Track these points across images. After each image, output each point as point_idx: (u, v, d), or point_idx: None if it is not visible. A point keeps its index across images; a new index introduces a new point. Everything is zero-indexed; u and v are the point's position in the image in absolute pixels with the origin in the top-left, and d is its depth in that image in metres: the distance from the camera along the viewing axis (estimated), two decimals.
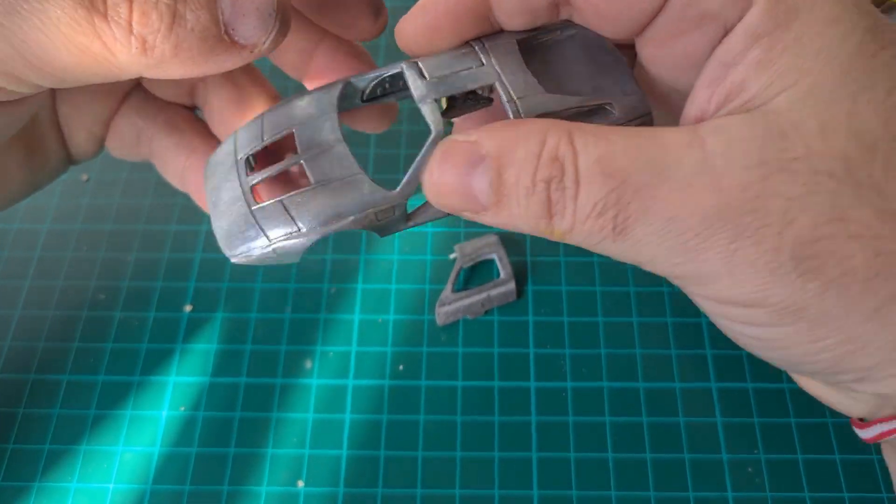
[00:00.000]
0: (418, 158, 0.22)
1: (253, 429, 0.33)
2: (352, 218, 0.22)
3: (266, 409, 0.33)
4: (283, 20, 0.21)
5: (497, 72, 0.23)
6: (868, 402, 0.22)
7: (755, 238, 0.18)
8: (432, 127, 0.22)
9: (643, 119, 0.23)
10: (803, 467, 0.31)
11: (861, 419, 0.23)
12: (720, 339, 0.34)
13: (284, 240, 0.22)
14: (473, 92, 0.23)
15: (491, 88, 0.23)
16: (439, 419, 0.33)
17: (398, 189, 0.22)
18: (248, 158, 0.24)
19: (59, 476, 0.32)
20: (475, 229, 0.38)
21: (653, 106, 0.24)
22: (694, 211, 0.19)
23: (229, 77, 0.27)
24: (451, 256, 0.37)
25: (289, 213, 0.22)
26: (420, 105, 0.22)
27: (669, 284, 0.36)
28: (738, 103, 0.19)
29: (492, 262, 0.37)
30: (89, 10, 0.19)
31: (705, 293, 0.21)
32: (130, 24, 0.19)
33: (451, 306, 0.35)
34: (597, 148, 0.19)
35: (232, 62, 0.21)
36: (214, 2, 0.20)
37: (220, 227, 0.24)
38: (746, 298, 0.20)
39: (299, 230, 0.22)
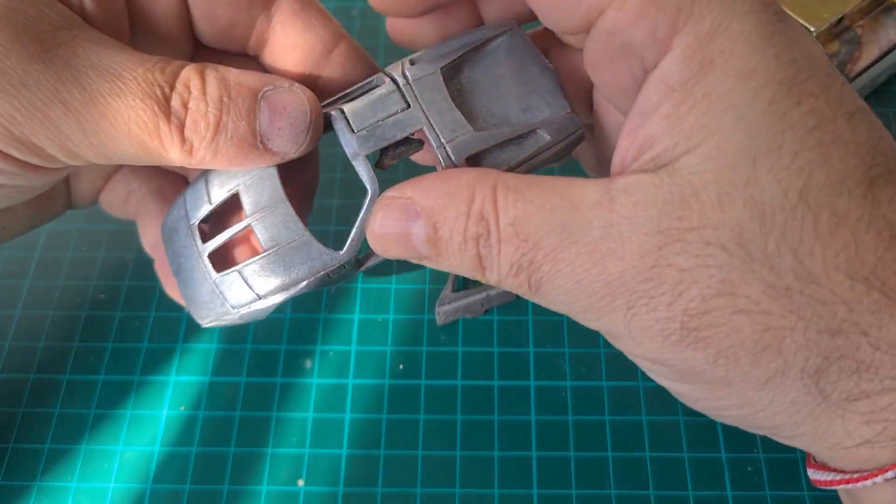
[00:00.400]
0: (360, 217, 0.23)
1: (253, 428, 0.33)
2: (305, 283, 0.24)
3: (266, 409, 0.33)
4: (314, 133, 0.23)
5: (424, 114, 0.23)
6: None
7: (649, 306, 0.19)
8: (368, 186, 0.23)
9: (573, 137, 0.24)
10: (802, 466, 0.31)
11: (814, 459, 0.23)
12: None
13: (247, 308, 0.25)
14: (405, 137, 0.23)
15: (416, 135, 0.23)
16: (439, 418, 0.33)
17: (345, 249, 0.24)
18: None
19: (60, 475, 0.32)
20: None
21: (591, 118, 0.25)
22: (598, 276, 0.19)
23: None
24: None
25: (247, 283, 0.24)
26: (353, 162, 0.23)
27: None
28: (648, 157, 0.19)
29: None
30: (156, 113, 0.21)
31: (619, 347, 0.22)
32: (183, 129, 0.22)
33: (450, 306, 0.35)
34: (514, 209, 0.20)
35: (262, 163, 0.23)
36: (254, 114, 0.22)
37: (187, 296, 0.26)
38: (649, 357, 0.21)
39: (258, 297, 0.24)
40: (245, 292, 0.24)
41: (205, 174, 0.25)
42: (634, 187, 0.19)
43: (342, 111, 0.23)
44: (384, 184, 0.23)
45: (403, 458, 0.32)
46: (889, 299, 0.18)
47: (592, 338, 0.35)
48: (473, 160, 0.23)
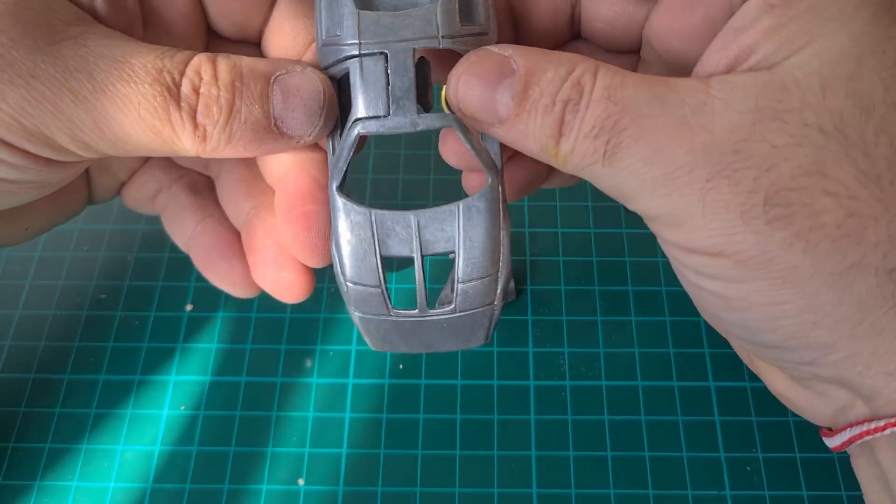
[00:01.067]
0: (470, 146, 0.23)
1: (253, 427, 0.33)
2: (507, 230, 0.24)
3: (266, 408, 0.33)
4: (329, 114, 0.23)
5: (401, 42, 0.22)
6: (832, 404, 0.22)
7: (733, 179, 0.19)
8: (443, 124, 0.23)
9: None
10: (801, 466, 0.32)
11: (828, 428, 0.23)
12: (718, 338, 0.34)
13: (504, 287, 0.25)
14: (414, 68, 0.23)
15: (415, 52, 0.23)
16: (439, 418, 0.33)
17: (490, 179, 0.23)
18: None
19: (60, 475, 0.32)
20: None
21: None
22: (682, 145, 0.19)
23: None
24: (451, 255, 0.37)
25: (478, 279, 0.24)
26: (416, 130, 0.23)
27: (668, 283, 0.36)
28: (745, 66, 0.20)
29: None
30: (167, 98, 0.21)
31: (675, 238, 0.21)
32: (195, 114, 0.22)
33: (452, 305, 0.35)
34: (613, 78, 0.20)
35: (278, 149, 0.23)
36: (267, 97, 0.22)
37: (459, 343, 0.26)
38: (713, 244, 0.20)
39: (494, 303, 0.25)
40: (480, 286, 0.24)
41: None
42: (732, 79, 0.19)
43: (360, 118, 0.23)
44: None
45: (403, 457, 0.32)
46: None
47: (592, 337, 0.35)
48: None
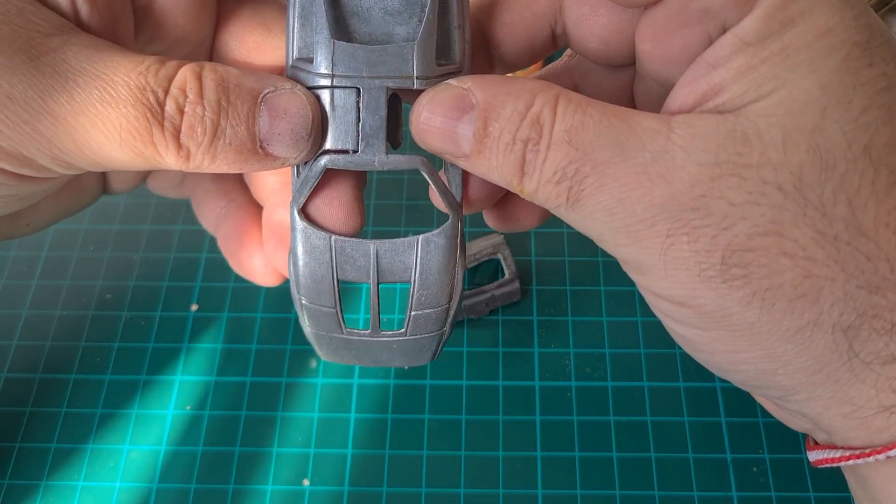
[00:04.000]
0: (435, 187, 0.23)
1: (258, 428, 0.33)
2: (461, 266, 0.25)
3: (271, 408, 0.33)
4: (316, 138, 0.22)
5: (375, 77, 0.22)
6: (803, 425, 0.22)
7: (692, 236, 0.19)
8: (410, 166, 0.23)
9: None
10: (808, 467, 0.31)
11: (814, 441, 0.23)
12: None
13: (453, 316, 0.25)
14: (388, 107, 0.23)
15: (389, 90, 0.23)
16: (444, 418, 0.33)
17: (451, 217, 0.24)
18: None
19: (66, 474, 0.32)
20: (480, 230, 0.38)
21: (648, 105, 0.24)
22: (642, 197, 0.19)
23: None
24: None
25: (431, 308, 0.25)
26: (383, 169, 0.23)
27: None
28: (712, 105, 0.19)
29: (496, 261, 0.37)
30: (149, 119, 0.21)
31: (644, 283, 0.21)
32: (179, 135, 0.21)
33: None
34: (572, 118, 0.19)
35: (263, 169, 0.23)
36: (254, 118, 0.21)
37: (406, 361, 0.26)
38: (676, 295, 0.20)
39: (444, 331, 0.25)
40: (432, 315, 0.25)
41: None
42: (695, 121, 0.19)
43: (328, 150, 0.23)
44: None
45: (408, 457, 0.32)
46: None
47: (597, 338, 0.35)
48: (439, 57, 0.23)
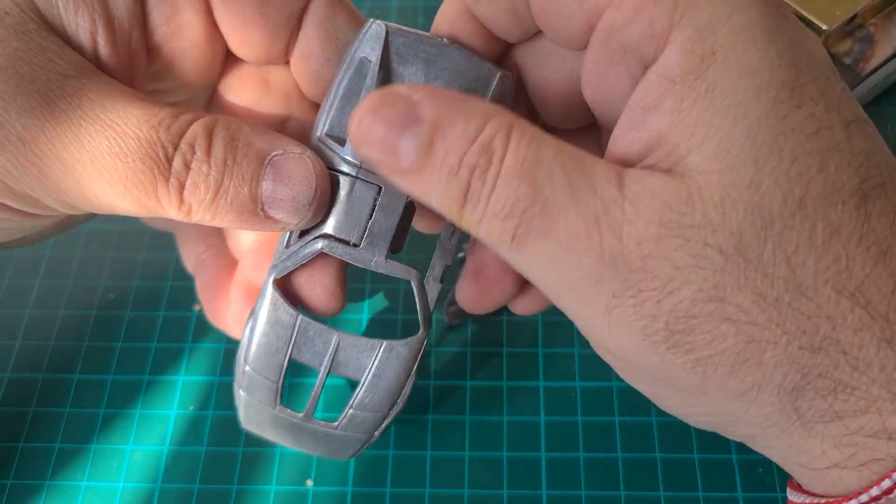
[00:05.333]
0: (419, 301, 0.24)
1: None
2: (412, 378, 0.25)
3: None
4: (319, 208, 0.22)
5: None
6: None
7: (637, 299, 0.18)
8: (406, 276, 0.23)
9: (511, 83, 0.23)
10: None
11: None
12: None
13: (379, 429, 0.26)
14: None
15: (408, 199, 0.22)
16: (448, 419, 0.33)
17: (421, 330, 0.24)
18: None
19: (70, 475, 0.32)
20: None
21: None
22: (590, 250, 0.18)
23: None
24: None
25: (366, 411, 0.25)
26: (377, 270, 0.23)
27: None
28: (659, 155, 0.19)
29: None
30: (155, 175, 0.21)
31: (589, 337, 0.21)
32: (182, 191, 0.21)
33: (459, 306, 0.35)
34: (527, 152, 0.18)
35: (262, 230, 0.22)
36: (258, 180, 0.21)
37: (314, 450, 0.27)
38: (622, 354, 0.20)
39: (384, 415, 0.25)
40: (369, 418, 0.25)
41: (245, 361, 0.25)
42: (644, 177, 0.18)
43: (329, 235, 0.22)
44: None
45: (412, 458, 0.32)
46: (871, 318, 0.18)
47: None
48: None
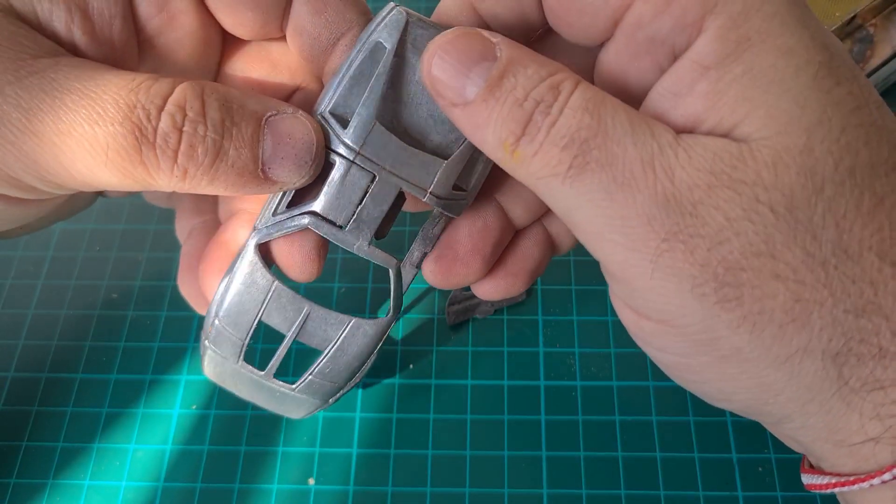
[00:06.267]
0: (393, 289, 0.24)
1: (264, 427, 0.33)
2: (372, 356, 0.25)
3: None
4: (318, 165, 0.22)
5: (394, 174, 0.22)
6: (798, 445, 0.22)
7: (688, 245, 0.18)
8: (385, 265, 0.24)
9: None
10: None
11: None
12: None
13: (334, 397, 0.26)
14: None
15: (400, 190, 0.22)
16: (449, 418, 0.33)
17: (390, 315, 0.25)
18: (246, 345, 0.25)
19: (73, 473, 0.32)
20: None
21: None
22: (644, 188, 0.18)
23: None
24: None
25: (325, 380, 0.25)
26: (359, 254, 0.23)
27: None
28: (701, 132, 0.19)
29: None
30: (139, 139, 0.20)
31: (624, 295, 0.20)
32: (176, 155, 0.20)
33: (460, 305, 0.35)
34: (595, 93, 0.19)
35: (260, 192, 0.22)
36: (258, 141, 0.21)
37: (271, 407, 0.27)
38: (660, 311, 0.19)
39: (340, 388, 0.26)
40: (326, 386, 0.25)
41: (215, 316, 0.25)
42: (697, 133, 0.19)
43: (317, 214, 0.22)
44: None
45: (414, 457, 0.32)
46: None
47: (602, 338, 0.35)
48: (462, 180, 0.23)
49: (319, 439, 0.33)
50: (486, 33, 0.20)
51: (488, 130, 0.20)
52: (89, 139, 0.20)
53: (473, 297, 0.35)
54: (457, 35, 0.20)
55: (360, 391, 0.34)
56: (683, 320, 0.19)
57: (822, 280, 0.18)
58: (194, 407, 0.34)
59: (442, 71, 0.20)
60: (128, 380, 0.34)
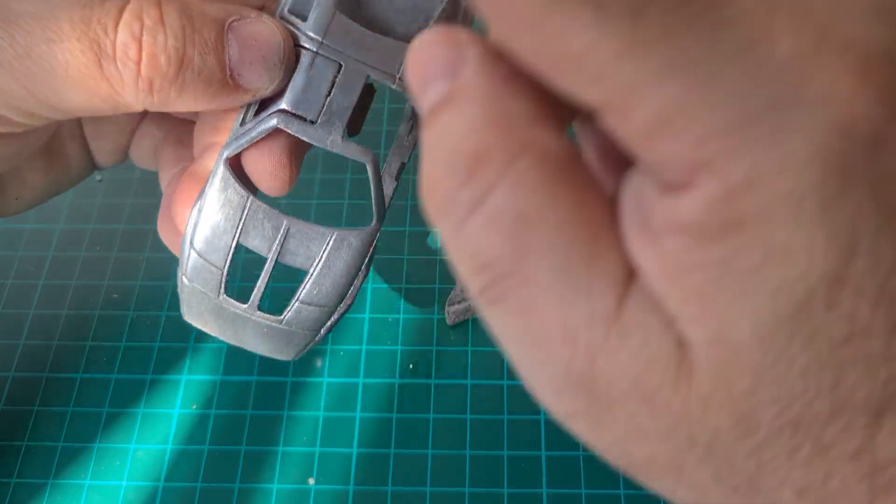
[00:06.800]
0: (373, 186, 0.23)
1: (264, 426, 0.33)
2: (362, 272, 0.23)
3: (277, 407, 0.34)
4: (288, 67, 0.21)
5: (361, 62, 0.21)
6: None
7: (595, 430, 0.17)
8: (362, 159, 0.22)
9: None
10: None
11: None
12: None
13: (325, 327, 0.24)
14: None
15: (368, 78, 0.22)
16: (449, 417, 0.33)
17: (374, 219, 0.23)
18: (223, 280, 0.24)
19: (73, 473, 0.32)
20: None
21: None
22: (559, 360, 0.15)
23: None
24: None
25: (314, 305, 0.24)
26: (333, 150, 0.22)
27: None
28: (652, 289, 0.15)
29: None
30: (98, 54, 0.19)
31: None
32: (139, 67, 0.20)
33: (461, 305, 0.35)
34: (528, 200, 0.14)
35: (233, 103, 0.21)
36: (222, 47, 0.20)
37: (265, 349, 0.26)
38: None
39: (332, 310, 0.24)
40: (315, 312, 0.24)
41: (190, 245, 0.23)
42: (648, 313, 0.15)
43: (286, 111, 0.22)
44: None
45: (414, 456, 0.32)
46: None
47: None
48: None
49: (320, 439, 0.33)
50: (467, 40, 0.16)
51: (426, 162, 0.16)
52: (48, 59, 0.19)
53: None
54: (431, 36, 0.16)
55: (360, 391, 0.34)
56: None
57: (728, 499, 0.16)
58: (195, 406, 0.34)
59: (410, 75, 0.16)
60: (128, 379, 0.35)
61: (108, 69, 0.20)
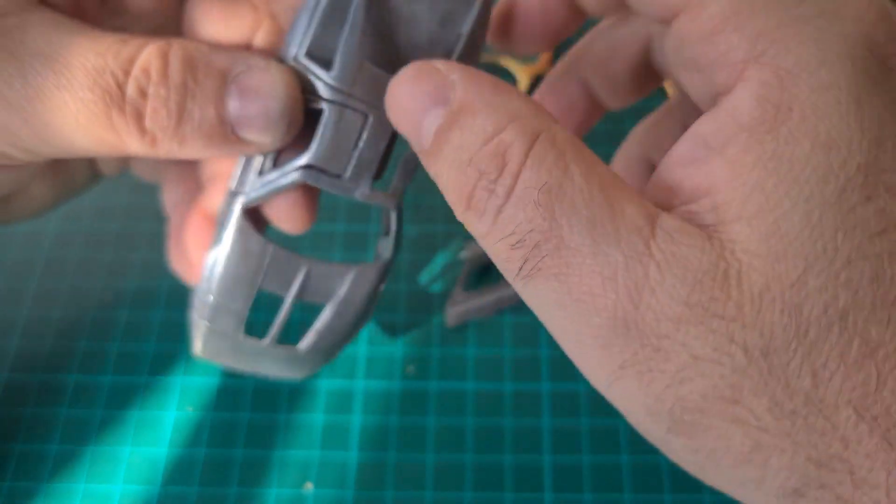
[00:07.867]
0: (394, 229, 0.24)
1: (261, 430, 0.33)
2: (372, 302, 0.24)
3: (275, 411, 0.33)
4: (293, 122, 0.21)
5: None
6: None
7: (645, 378, 0.16)
8: (386, 205, 0.23)
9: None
10: None
11: None
12: None
13: (338, 348, 0.25)
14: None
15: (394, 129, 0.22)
16: (449, 422, 0.33)
17: (391, 251, 0.24)
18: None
19: (67, 477, 0.32)
20: None
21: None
22: (602, 309, 0.16)
23: None
24: (462, 255, 0.37)
25: (330, 332, 0.24)
26: (363, 201, 0.22)
27: None
28: (703, 205, 0.17)
29: None
30: (108, 104, 0.19)
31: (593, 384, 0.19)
32: (143, 119, 0.20)
33: (461, 307, 0.35)
34: (549, 173, 0.16)
35: (237, 155, 0.21)
36: (222, 100, 0.20)
37: (281, 374, 0.26)
38: (622, 409, 0.18)
39: (347, 336, 0.25)
40: (331, 340, 0.24)
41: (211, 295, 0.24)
42: (681, 236, 0.16)
43: (312, 167, 0.21)
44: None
45: (413, 461, 0.32)
46: (889, 445, 0.16)
47: None
48: None
49: (318, 443, 0.32)
50: (443, 68, 0.18)
51: (441, 188, 0.18)
52: (59, 104, 0.19)
53: (475, 298, 0.35)
54: (413, 71, 0.18)
55: (359, 395, 0.33)
56: (642, 428, 0.18)
57: (786, 430, 0.17)
58: (191, 409, 0.33)
59: (400, 117, 0.18)
60: (123, 382, 0.34)
61: (116, 120, 0.20)
